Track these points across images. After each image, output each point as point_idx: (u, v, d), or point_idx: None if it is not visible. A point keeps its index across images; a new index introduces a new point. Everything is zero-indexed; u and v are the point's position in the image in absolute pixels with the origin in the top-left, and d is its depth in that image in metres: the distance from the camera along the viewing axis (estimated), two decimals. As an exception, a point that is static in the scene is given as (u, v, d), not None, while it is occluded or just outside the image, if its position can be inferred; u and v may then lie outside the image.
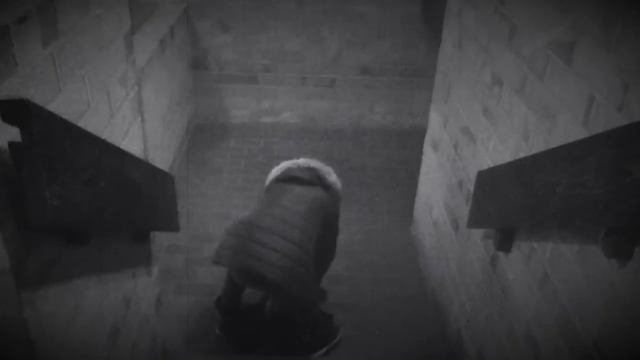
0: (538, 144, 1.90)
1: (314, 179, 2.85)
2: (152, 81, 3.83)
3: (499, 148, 2.26)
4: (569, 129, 1.70)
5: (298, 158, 2.99)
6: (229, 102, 5.31)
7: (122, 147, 1.82)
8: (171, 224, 2.27)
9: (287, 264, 2.45)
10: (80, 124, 1.54)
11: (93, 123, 1.64)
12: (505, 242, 2.10)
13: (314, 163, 2.94)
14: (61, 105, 1.43)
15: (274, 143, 5.09)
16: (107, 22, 1.75)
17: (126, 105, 1.97)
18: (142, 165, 1.88)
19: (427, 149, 3.60)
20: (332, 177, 2.96)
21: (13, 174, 1.14)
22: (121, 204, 1.62)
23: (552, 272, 1.75)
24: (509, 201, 1.92)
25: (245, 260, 2.48)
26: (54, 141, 1.19)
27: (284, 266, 2.43)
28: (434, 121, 3.42)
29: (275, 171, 2.97)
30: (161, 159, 4.05)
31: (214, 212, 4.01)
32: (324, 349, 2.92)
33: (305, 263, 2.52)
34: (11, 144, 1.09)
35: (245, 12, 4.87)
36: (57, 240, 1.42)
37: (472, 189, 2.43)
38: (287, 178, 2.86)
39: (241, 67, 5.12)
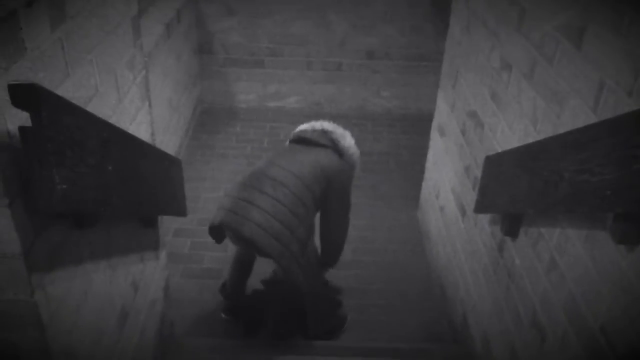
0: (546, 130, 1.89)
1: (326, 141, 2.75)
2: (159, 65, 3.83)
3: (507, 133, 2.25)
4: (578, 115, 1.69)
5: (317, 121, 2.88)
6: (235, 87, 5.30)
7: (130, 131, 1.82)
8: (178, 209, 2.28)
9: (270, 222, 2.40)
10: (89, 108, 1.54)
11: (101, 107, 1.64)
12: (512, 227, 2.10)
13: (328, 125, 2.82)
14: (70, 90, 1.43)
15: (280, 128, 5.09)
16: (114, 5, 1.74)
17: (134, 90, 1.96)
18: (149, 150, 1.88)
19: (434, 134, 3.59)
20: (347, 140, 2.80)
21: (23, 158, 1.14)
22: (129, 188, 1.63)
23: (559, 257, 1.75)
24: (516, 187, 1.92)
25: (232, 218, 2.45)
26: (63, 125, 1.19)
27: (265, 224, 2.39)
28: (442, 106, 3.41)
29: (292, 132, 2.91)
30: (168, 143, 4.05)
31: (220, 196, 4.02)
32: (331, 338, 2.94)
33: (291, 224, 2.45)
34: (21, 129, 1.09)
35: (251, -4, 4.84)
36: (66, 224, 1.43)
37: (479, 174, 2.42)
38: (298, 139, 2.81)
39: (247, 51, 5.10)
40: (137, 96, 2.00)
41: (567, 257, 1.71)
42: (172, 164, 2.14)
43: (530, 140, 1.99)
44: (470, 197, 2.65)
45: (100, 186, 1.40)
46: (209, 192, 4.15)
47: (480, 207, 2.35)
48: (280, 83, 5.28)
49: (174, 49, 4.26)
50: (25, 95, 1.06)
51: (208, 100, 5.34)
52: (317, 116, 5.31)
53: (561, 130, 1.74)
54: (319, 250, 2.90)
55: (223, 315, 3.04)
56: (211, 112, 5.30)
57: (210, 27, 4.99)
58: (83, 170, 1.26)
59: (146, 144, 1.86)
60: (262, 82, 5.27)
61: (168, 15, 4.15)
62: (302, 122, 2.94)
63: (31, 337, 1.33)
